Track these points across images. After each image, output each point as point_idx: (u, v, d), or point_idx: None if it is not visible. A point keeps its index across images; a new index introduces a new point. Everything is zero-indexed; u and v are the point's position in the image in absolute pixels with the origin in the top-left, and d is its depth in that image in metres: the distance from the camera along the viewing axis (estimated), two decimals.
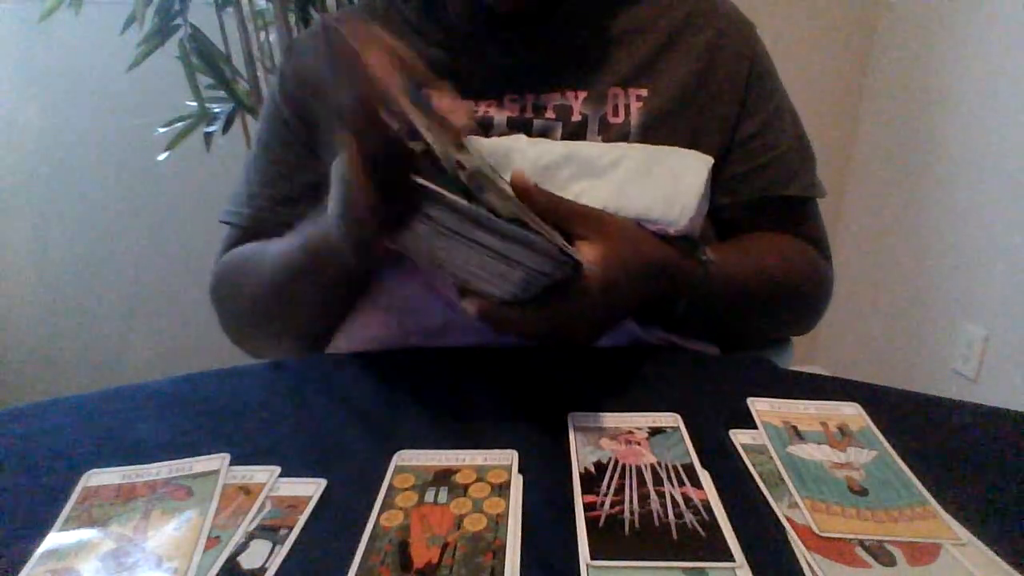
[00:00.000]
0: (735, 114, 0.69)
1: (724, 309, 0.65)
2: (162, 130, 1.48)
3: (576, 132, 0.66)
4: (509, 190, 0.50)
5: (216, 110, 1.49)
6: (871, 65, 1.94)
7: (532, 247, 0.44)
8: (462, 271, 0.47)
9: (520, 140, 0.63)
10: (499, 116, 0.66)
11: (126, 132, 1.78)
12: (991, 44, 1.58)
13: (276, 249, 0.66)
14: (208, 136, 1.49)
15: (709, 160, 0.65)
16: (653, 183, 0.62)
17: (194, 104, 1.46)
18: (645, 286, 0.56)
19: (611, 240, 0.52)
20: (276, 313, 0.69)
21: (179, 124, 1.48)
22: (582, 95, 0.66)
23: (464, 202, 0.44)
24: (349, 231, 0.48)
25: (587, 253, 0.51)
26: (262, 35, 1.47)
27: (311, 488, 0.44)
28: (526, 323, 0.50)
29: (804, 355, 2.18)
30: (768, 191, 0.70)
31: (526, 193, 0.50)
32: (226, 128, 1.47)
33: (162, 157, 1.49)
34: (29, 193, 1.87)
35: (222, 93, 1.47)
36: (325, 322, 0.67)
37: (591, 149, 0.63)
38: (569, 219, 0.52)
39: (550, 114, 0.66)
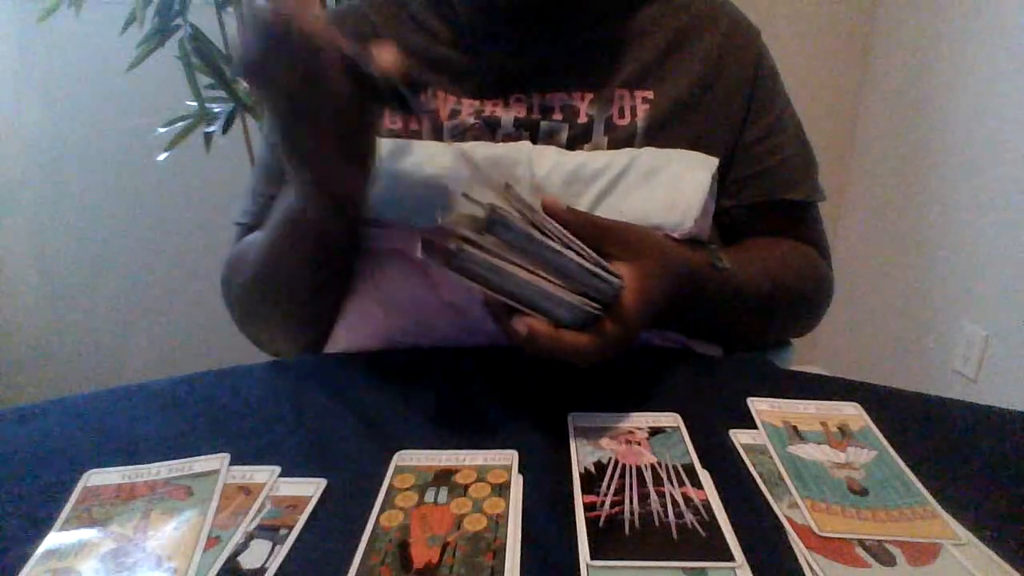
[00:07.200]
0: (740, 118, 0.69)
1: (732, 314, 0.65)
2: (162, 130, 1.48)
3: (582, 134, 0.66)
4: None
5: (216, 110, 1.49)
6: (871, 65, 1.94)
7: (585, 268, 0.47)
8: (522, 291, 0.46)
9: (523, 149, 0.63)
10: (506, 116, 0.66)
11: (126, 132, 1.77)
12: (991, 44, 1.58)
13: (263, 231, 0.66)
14: (208, 136, 1.49)
15: (714, 162, 0.65)
16: (653, 189, 0.61)
17: (194, 104, 1.46)
18: (671, 294, 0.55)
19: (642, 258, 0.51)
20: (271, 296, 0.68)
21: (179, 124, 1.48)
22: (588, 96, 0.66)
23: (528, 227, 0.45)
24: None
25: (622, 274, 0.50)
26: None
27: (311, 488, 0.44)
28: (577, 348, 0.48)
29: (804, 355, 2.17)
30: (771, 195, 0.70)
31: (558, 215, 0.49)
32: (226, 128, 1.48)
33: (162, 157, 1.49)
34: (29, 193, 1.87)
35: (222, 93, 1.47)
36: (319, 306, 0.67)
37: (596, 159, 0.62)
38: (600, 237, 0.51)
39: (556, 115, 0.66)
